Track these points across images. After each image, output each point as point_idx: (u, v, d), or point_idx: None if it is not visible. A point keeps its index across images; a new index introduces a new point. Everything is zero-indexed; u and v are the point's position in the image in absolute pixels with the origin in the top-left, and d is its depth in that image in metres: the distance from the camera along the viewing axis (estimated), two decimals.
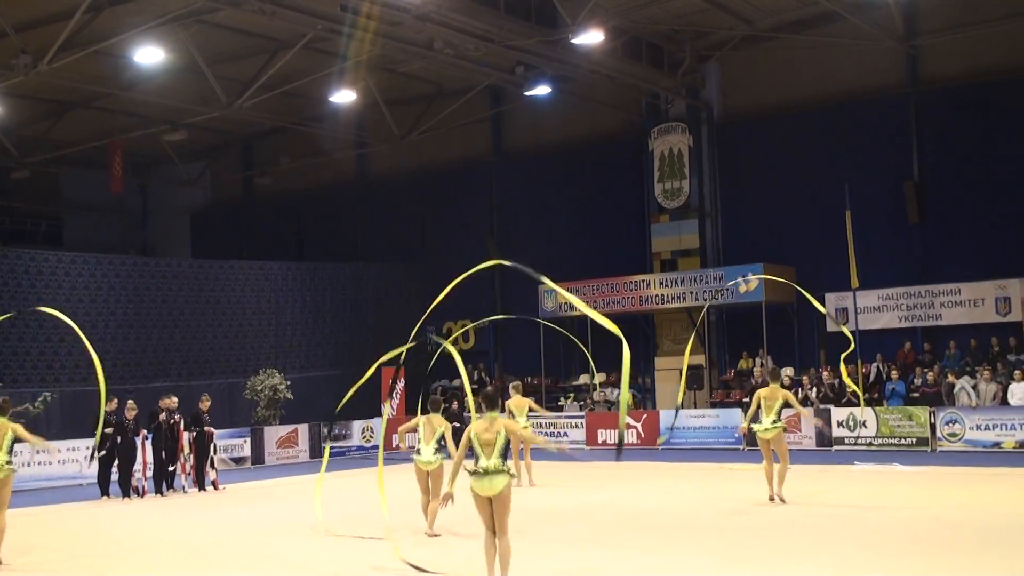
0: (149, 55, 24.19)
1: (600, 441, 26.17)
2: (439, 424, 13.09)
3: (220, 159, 39.69)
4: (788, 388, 24.54)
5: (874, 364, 25.43)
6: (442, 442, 12.99)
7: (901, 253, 26.71)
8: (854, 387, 21.17)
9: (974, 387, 22.65)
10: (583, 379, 30.09)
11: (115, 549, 12.97)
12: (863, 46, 26.47)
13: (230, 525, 15.03)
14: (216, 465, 20.29)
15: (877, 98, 27.18)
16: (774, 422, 14.82)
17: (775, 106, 28.75)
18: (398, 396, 28.86)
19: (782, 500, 14.81)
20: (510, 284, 33.30)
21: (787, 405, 15.11)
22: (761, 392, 15.24)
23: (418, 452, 13.03)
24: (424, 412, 13.55)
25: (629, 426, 25.84)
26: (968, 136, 26.11)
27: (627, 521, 13.91)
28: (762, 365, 26.41)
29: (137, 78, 27.84)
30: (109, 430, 18.44)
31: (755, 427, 15.08)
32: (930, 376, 23.96)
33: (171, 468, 19.42)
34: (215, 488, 19.74)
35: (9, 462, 12.18)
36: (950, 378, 23.26)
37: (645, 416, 26.34)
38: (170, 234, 41.48)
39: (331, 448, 26.04)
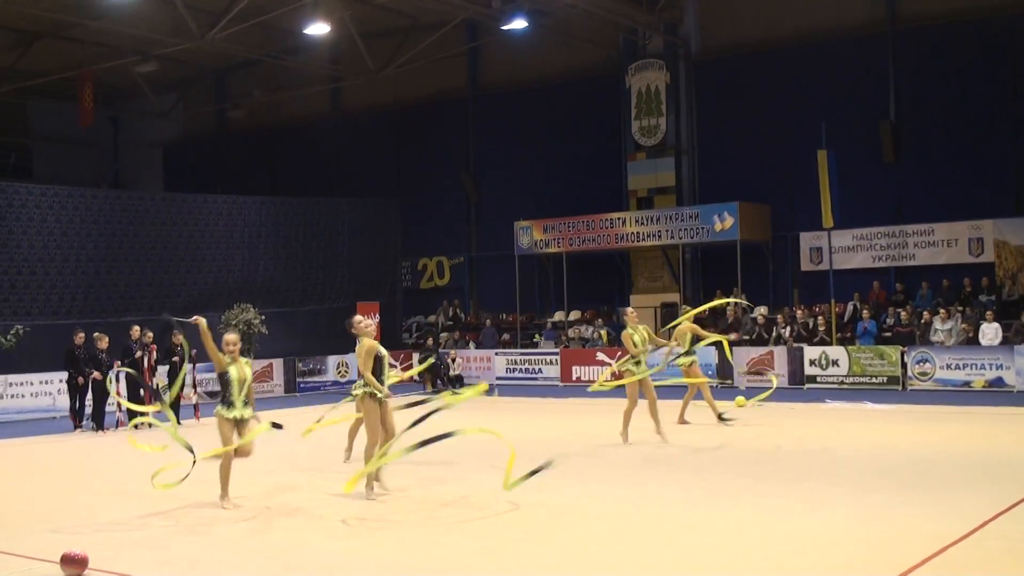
0: None
1: (575, 378, 26.28)
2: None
3: (193, 92, 39.21)
4: (761, 325, 24.96)
5: (849, 303, 25.59)
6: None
7: (876, 193, 26.73)
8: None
9: (949, 331, 22.83)
10: (558, 316, 30.17)
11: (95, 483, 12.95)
12: None
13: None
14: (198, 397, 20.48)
15: (855, 36, 27.06)
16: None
17: (752, 43, 28.57)
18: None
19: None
20: (485, 220, 33.26)
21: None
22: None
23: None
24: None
25: (603, 363, 25.99)
26: (945, 76, 26.07)
27: (595, 455, 13.97)
28: (735, 304, 26.50)
29: (107, 7, 27.33)
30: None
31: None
32: (903, 315, 24.10)
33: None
34: (196, 419, 19.70)
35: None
36: (927, 316, 23.42)
37: (619, 354, 26.37)
38: (142, 167, 41.09)
39: (305, 383, 26.26)
